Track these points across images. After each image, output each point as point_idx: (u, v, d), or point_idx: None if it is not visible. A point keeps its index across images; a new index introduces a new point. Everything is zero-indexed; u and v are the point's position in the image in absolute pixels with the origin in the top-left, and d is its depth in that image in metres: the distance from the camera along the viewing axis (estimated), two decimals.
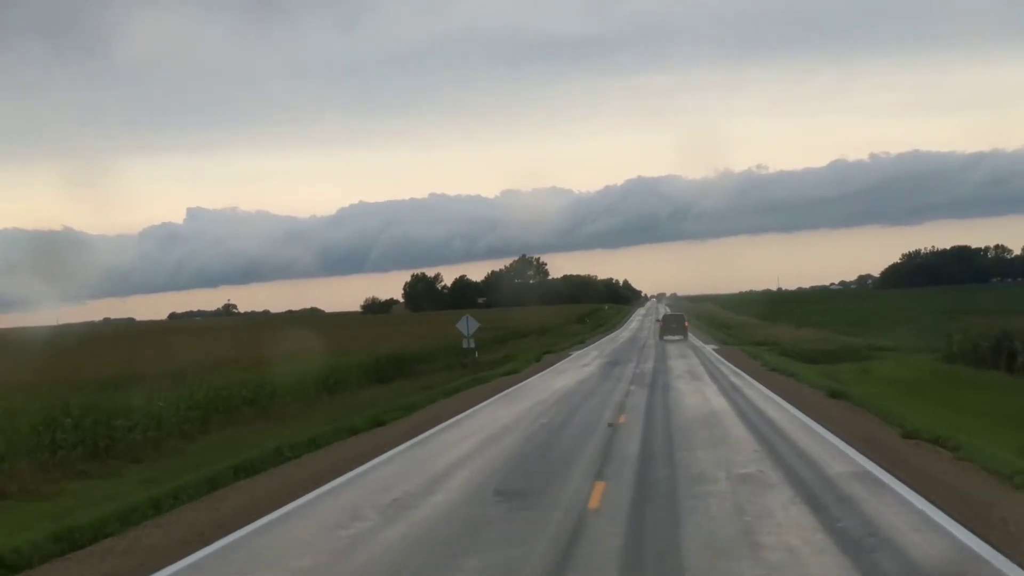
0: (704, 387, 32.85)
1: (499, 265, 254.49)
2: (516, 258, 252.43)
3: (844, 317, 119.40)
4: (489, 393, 33.52)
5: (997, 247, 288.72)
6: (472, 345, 55.64)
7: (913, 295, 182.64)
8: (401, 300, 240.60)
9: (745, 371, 39.87)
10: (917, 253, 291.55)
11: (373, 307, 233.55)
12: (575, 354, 61.61)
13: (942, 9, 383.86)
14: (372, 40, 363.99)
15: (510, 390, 34.62)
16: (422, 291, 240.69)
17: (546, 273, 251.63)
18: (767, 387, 31.86)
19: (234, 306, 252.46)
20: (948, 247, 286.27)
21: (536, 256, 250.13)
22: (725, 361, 47.36)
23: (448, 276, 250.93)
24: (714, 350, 59.56)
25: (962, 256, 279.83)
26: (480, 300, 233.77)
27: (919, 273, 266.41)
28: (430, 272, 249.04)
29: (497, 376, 43.54)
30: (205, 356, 48.25)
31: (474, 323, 55.86)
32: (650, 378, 37.47)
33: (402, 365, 54.74)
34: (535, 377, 41.46)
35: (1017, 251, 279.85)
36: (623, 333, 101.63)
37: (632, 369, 43.15)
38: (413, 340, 62.92)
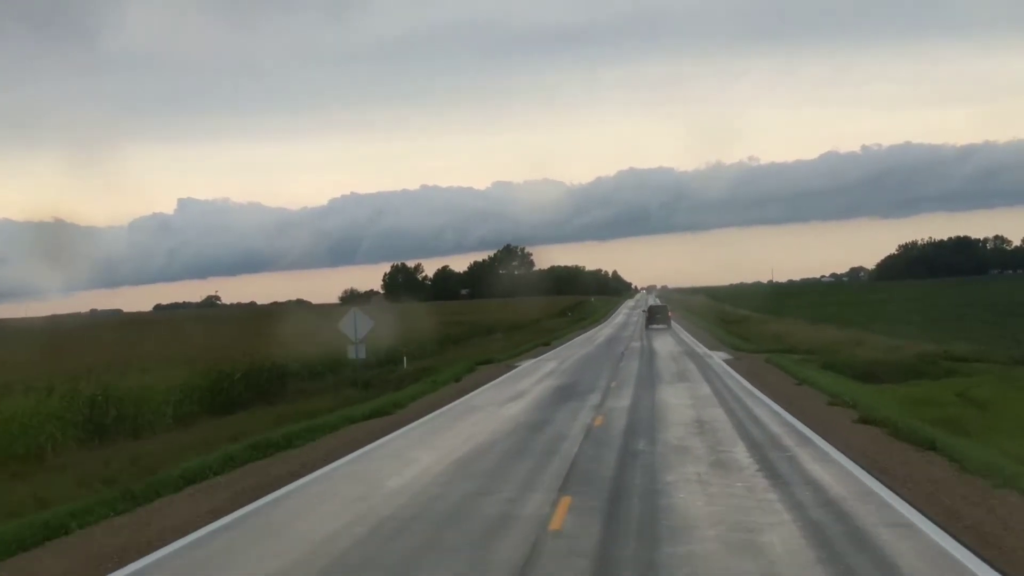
0: (755, 511, 11.66)
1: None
2: (499, 248, 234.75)
3: (859, 311, 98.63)
4: (220, 507, 12.53)
5: (996, 238, 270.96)
6: (362, 355, 35.20)
7: (917, 287, 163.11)
8: (380, 291, 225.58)
9: (809, 422, 18.86)
10: (914, 244, 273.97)
11: (352, 298, 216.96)
12: (524, 365, 40.66)
13: (935, 1, 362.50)
14: (364, 31, 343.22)
15: (274, 497, 13.55)
16: (402, 282, 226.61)
17: (531, 264, 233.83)
18: (923, 510, 10.88)
19: (217, 297, 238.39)
20: (945, 238, 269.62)
21: (521, 246, 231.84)
22: (756, 391, 26.21)
23: (447, 268, 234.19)
24: (726, 361, 38.49)
25: (961, 247, 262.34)
26: (463, 291, 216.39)
27: (917, 264, 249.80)
28: (411, 263, 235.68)
29: (355, 419, 22.84)
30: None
31: (366, 322, 35.24)
32: (617, 453, 16.24)
33: (278, 382, 37.24)
34: (400, 434, 20.33)
35: (1017, 242, 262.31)
36: (604, 330, 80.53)
37: (590, 413, 21.98)
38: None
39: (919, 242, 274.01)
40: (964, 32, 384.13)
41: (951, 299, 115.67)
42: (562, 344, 59.38)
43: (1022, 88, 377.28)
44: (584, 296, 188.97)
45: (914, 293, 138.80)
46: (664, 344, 53.29)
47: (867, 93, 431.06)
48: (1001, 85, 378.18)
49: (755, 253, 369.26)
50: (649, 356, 43.31)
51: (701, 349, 47.28)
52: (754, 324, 77.03)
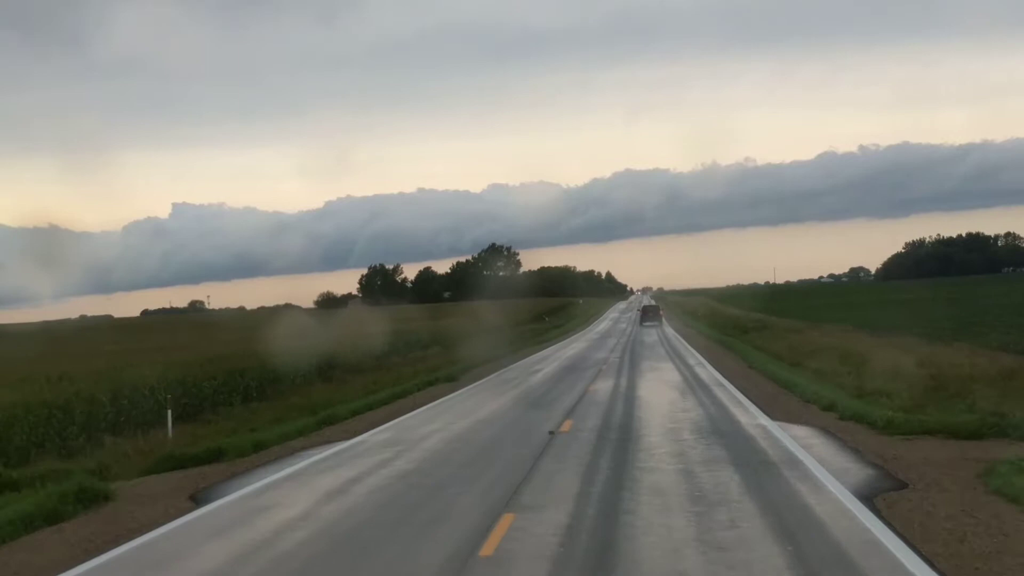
0: None
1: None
2: (484, 249, 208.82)
3: (897, 314, 70.66)
4: None
5: (1008, 235, 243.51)
6: None
7: (936, 286, 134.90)
8: (358, 295, 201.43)
9: None
10: (922, 242, 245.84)
11: (328, 302, 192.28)
12: (280, 491, 13.21)
13: (931, 1, 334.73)
14: (357, 34, 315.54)
15: None
16: (380, 285, 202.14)
17: (518, 264, 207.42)
18: None
19: (201, 302, 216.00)
20: (954, 235, 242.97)
21: (507, 246, 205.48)
22: None
23: (429, 270, 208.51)
24: (870, 504, 10.96)
25: (973, 244, 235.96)
26: (445, 294, 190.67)
27: (925, 263, 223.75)
28: (390, 265, 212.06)
29: None
30: None
31: None
32: None
33: None
34: None
35: None
36: (572, 346, 52.79)
37: None
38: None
39: (927, 239, 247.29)
40: (960, 31, 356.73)
41: (995, 298, 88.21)
42: (482, 379, 32.03)
43: (1020, 87, 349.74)
44: (572, 298, 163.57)
45: (940, 293, 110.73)
46: (663, 387, 25.78)
47: (864, 93, 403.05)
48: (999, 84, 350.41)
49: (752, 254, 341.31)
50: (617, 453, 15.74)
51: (746, 413, 19.38)
52: (786, 335, 49.09)
